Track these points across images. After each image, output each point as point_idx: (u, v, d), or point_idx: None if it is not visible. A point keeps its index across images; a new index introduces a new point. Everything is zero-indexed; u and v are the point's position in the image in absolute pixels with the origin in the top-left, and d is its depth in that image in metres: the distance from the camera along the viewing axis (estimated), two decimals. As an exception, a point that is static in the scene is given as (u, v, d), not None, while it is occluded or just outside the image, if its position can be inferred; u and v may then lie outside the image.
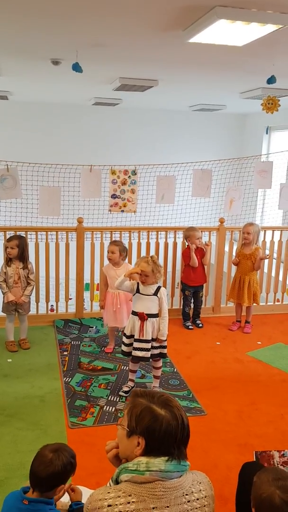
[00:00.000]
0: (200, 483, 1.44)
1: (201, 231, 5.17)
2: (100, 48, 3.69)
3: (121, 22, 2.92)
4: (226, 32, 2.77)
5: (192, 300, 5.07)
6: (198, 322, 5.06)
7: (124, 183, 5.17)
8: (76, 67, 3.76)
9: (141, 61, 4.20)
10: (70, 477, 1.88)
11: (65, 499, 1.99)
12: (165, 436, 1.38)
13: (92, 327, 4.82)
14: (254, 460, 2.15)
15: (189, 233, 4.94)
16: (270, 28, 2.65)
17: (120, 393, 3.52)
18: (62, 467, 1.80)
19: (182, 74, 4.78)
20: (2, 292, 4.21)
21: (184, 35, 3.04)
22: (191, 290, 5.00)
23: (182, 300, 5.13)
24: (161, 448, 1.38)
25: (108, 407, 3.34)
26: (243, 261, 4.84)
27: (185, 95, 6.43)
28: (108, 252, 4.23)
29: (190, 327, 4.98)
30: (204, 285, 5.12)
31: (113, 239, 5.06)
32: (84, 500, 1.97)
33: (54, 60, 4.18)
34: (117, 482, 1.41)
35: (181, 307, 5.12)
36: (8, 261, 4.20)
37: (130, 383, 3.58)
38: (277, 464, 2.08)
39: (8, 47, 3.82)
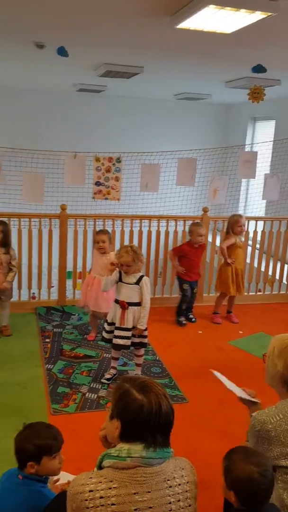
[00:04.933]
0: (182, 469, 1.45)
1: (184, 220, 5.19)
2: (86, 32, 3.62)
3: (109, 5, 2.87)
4: (214, 19, 2.74)
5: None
6: (191, 316, 4.91)
7: (108, 171, 5.13)
8: (62, 51, 3.69)
9: (127, 47, 4.14)
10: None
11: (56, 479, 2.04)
12: (137, 420, 1.39)
13: (75, 315, 4.80)
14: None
15: (191, 228, 4.73)
16: (259, 15, 2.64)
17: (102, 380, 3.52)
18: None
19: (168, 62, 4.74)
20: (-16, 278, 4.15)
21: (171, 20, 3.01)
22: (188, 285, 4.79)
23: (180, 295, 4.89)
24: (135, 433, 1.39)
25: (90, 394, 3.34)
26: (236, 251, 4.83)
27: (170, 83, 6.38)
28: (97, 242, 4.13)
29: (183, 322, 4.78)
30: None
31: (96, 227, 5.03)
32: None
33: (38, 43, 4.09)
34: (100, 468, 1.42)
35: (179, 302, 4.87)
36: (-11, 247, 4.14)
37: (112, 371, 3.59)
38: None
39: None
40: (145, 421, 1.38)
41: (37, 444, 1.83)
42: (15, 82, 7.15)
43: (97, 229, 5.03)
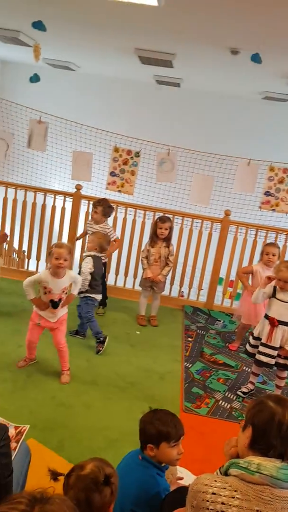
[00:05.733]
0: None
1: None
2: (282, 38, 3.54)
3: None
4: None
5: None
6: None
7: (281, 182, 4.96)
8: (256, 58, 3.68)
9: None
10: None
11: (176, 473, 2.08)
12: (267, 427, 1.38)
13: (220, 321, 4.78)
14: None
15: None
16: None
17: (238, 392, 3.44)
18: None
19: None
20: (143, 267, 4.42)
21: None
22: None
23: None
24: (263, 441, 1.38)
25: (223, 402, 3.30)
26: None
27: None
28: (267, 253, 3.96)
29: None
30: None
31: (258, 237, 4.90)
32: (184, 482, 2.02)
33: (233, 49, 4.14)
34: (226, 474, 1.40)
35: None
36: (152, 241, 4.38)
37: (250, 386, 3.48)
38: None
39: (189, 35, 3.88)
40: (276, 430, 1.38)
41: (158, 428, 1.89)
42: (202, 86, 7.39)
43: (258, 239, 4.90)
